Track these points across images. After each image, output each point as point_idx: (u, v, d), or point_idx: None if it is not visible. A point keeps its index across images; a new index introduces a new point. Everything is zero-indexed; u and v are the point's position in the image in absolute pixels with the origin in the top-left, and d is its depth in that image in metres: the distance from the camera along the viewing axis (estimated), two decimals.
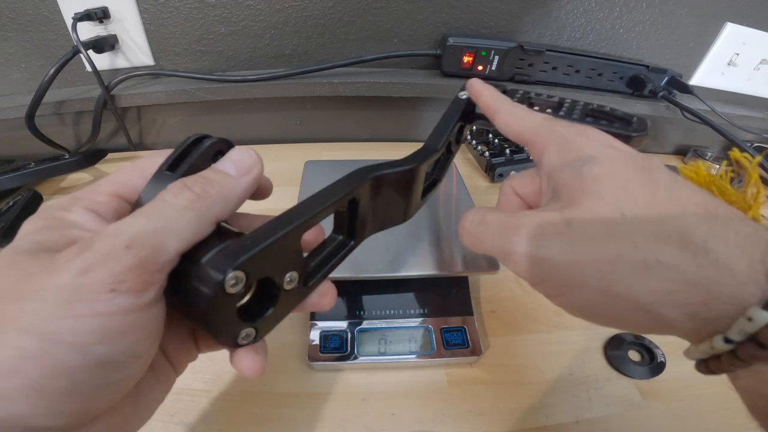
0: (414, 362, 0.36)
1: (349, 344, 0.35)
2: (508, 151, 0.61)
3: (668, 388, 0.36)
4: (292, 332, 0.38)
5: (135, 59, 0.57)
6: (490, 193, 0.58)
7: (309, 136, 0.69)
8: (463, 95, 0.32)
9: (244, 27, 0.56)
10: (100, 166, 0.59)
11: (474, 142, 0.64)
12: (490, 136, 0.65)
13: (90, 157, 0.57)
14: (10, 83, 0.58)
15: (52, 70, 0.50)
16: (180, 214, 0.16)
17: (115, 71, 0.58)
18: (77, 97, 0.57)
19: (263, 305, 0.19)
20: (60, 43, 0.54)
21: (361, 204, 0.23)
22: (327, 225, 0.23)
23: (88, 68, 0.52)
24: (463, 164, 0.65)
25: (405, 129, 0.70)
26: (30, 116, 0.53)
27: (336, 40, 0.59)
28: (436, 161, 0.31)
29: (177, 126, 0.65)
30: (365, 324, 0.37)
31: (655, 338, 0.39)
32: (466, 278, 0.40)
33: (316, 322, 0.37)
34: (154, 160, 0.18)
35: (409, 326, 0.37)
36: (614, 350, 0.38)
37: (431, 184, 0.32)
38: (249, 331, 0.18)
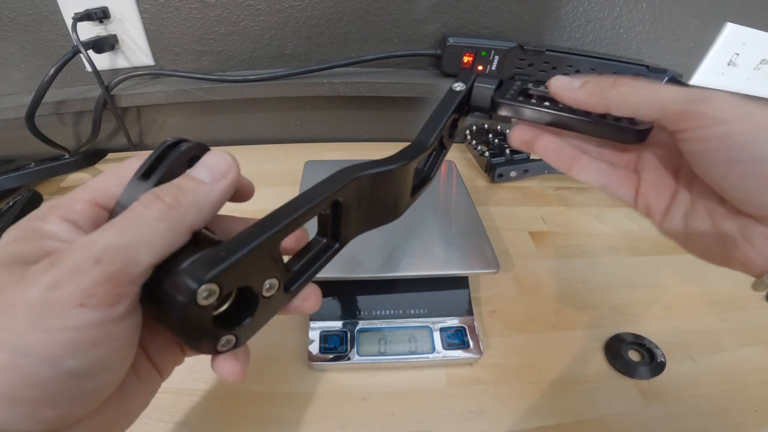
0: (414, 362, 0.36)
1: (348, 344, 0.35)
2: (508, 151, 0.61)
3: (668, 388, 0.36)
4: (292, 332, 0.38)
5: (135, 59, 0.57)
6: (490, 193, 0.58)
7: (309, 136, 0.69)
8: (458, 87, 0.31)
9: (244, 27, 0.56)
10: (100, 166, 0.59)
11: (474, 142, 0.64)
12: (490, 136, 0.65)
13: (90, 157, 0.57)
14: (10, 83, 0.57)
15: (52, 70, 0.50)
16: (152, 226, 0.15)
17: (115, 71, 0.58)
18: (77, 97, 0.57)
19: (242, 313, 0.19)
20: (60, 43, 0.54)
21: (346, 205, 0.22)
22: (313, 225, 0.23)
23: (88, 68, 0.52)
24: (463, 164, 0.65)
25: (405, 129, 0.70)
26: (30, 116, 0.53)
27: (336, 40, 0.59)
28: (428, 157, 0.30)
29: (177, 126, 0.65)
30: (365, 324, 0.37)
31: (655, 338, 0.39)
32: (466, 278, 0.40)
33: (316, 322, 0.37)
34: (131, 165, 0.18)
35: (409, 326, 0.37)
36: (614, 350, 0.38)
37: (422, 181, 0.31)
38: (229, 338, 0.18)
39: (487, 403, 0.34)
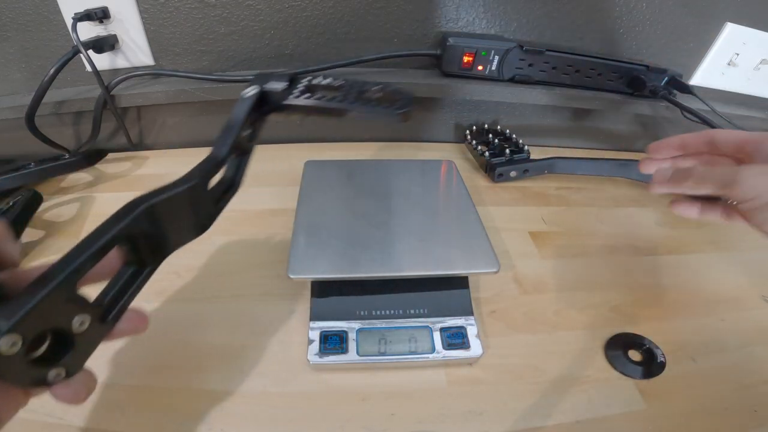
0: (414, 362, 0.36)
1: (348, 344, 0.35)
2: (508, 151, 0.61)
3: (668, 388, 0.36)
4: (292, 332, 0.38)
5: (135, 59, 0.57)
6: (490, 193, 0.58)
7: (309, 136, 0.69)
8: (247, 93, 0.33)
9: (244, 27, 0.56)
10: (100, 166, 0.59)
11: (474, 142, 0.64)
12: (490, 136, 0.65)
13: (90, 157, 0.56)
14: (10, 83, 0.57)
15: (52, 70, 0.50)
16: None
17: (115, 71, 0.57)
18: (77, 97, 0.56)
19: (63, 349, 0.20)
20: (60, 43, 0.54)
21: (143, 234, 0.23)
22: None
23: (88, 68, 0.52)
24: (463, 164, 0.65)
25: (405, 129, 0.70)
26: (30, 116, 0.53)
27: (336, 40, 0.59)
28: (234, 164, 0.32)
29: (177, 126, 0.65)
30: (365, 324, 0.37)
31: (655, 338, 0.39)
32: (466, 278, 0.40)
33: (316, 322, 0.37)
34: None
35: (409, 326, 0.37)
36: (614, 350, 0.38)
37: (229, 188, 0.32)
38: (58, 371, 0.20)
39: (487, 403, 0.34)
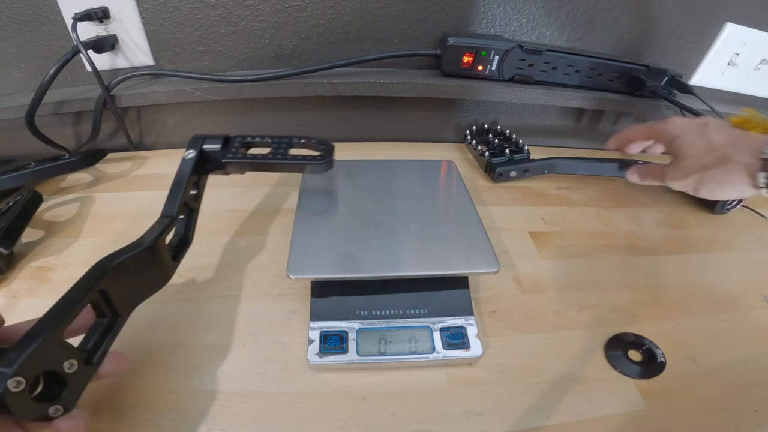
0: (414, 362, 0.36)
1: (348, 344, 0.35)
2: (508, 151, 0.61)
3: (668, 388, 0.36)
4: (292, 332, 0.38)
5: (135, 59, 0.57)
6: (490, 193, 0.58)
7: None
8: (188, 155, 0.37)
9: (244, 27, 0.56)
10: (100, 166, 0.59)
11: (474, 142, 0.64)
12: (490, 136, 0.65)
13: (90, 157, 0.56)
14: (10, 83, 0.58)
15: (52, 70, 0.50)
16: None
17: (115, 71, 0.58)
18: (77, 97, 0.57)
19: (59, 388, 0.25)
20: (60, 43, 0.54)
21: (113, 289, 0.28)
22: None
23: (88, 68, 0.52)
24: (463, 164, 0.65)
25: (405, 129, 0.70)
26: (30, 116, 0.53)
27: (336, 40, 0.59)
28: (183, 223, 0.37)
29: (177, 126, 0.65)
30: (365, 324, 0.37)
31: (655, 338, 0.39)
32: (466, 278, 0.40)
33: (316, 322, 0.37)
34: None
35: (409, 326, 0.37)
36: (614, 350, 0.38)
37: (182, 244, 0.36)
38: (57, 407, 0.24)
39: (487, 403, 0.34)
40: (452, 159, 0.54)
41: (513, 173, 0.60)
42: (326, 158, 0.39)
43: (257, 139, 0.41)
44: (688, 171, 0.41)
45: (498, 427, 0.32)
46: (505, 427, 0.33)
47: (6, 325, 0.27)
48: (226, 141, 0.39)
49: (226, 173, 0.41)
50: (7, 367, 0.21)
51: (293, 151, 0.40)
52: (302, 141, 0.41)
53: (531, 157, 0.61)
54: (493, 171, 0.59)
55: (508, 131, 0.66)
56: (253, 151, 0.42)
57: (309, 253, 0.37)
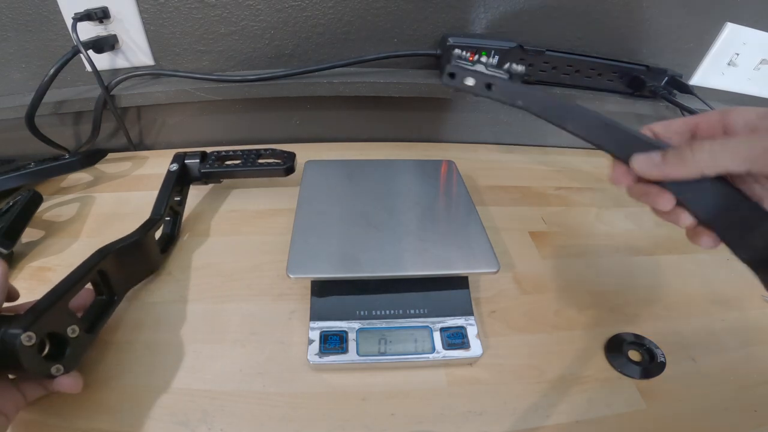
0: (414, 362, 0.36)
1: (348, 344, 0.35)
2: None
3: (668, 388, 0.36)
4: (292, 332, 0.38)
5: (135, 59, 0.57)
6: (490, 193, 0.58)
7: (309, 136, 0.69)
8: (172, 168, 0.48)
9: (244, 27, 0.56)
10: (100, 166, 0.59)
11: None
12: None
13: (90, 157, 0.56)
14: (10, 83, 0.57)
15: (52, 70, 0.50)
16: None
17: (115, 71, 0.57)
18: (77, 97, 0.56)
19: (61, 352, 0.29)
20: (60, 43, 0.54)
21: (108, 272, 0.34)
22: None
23: (88, 68, 0.52)
24: (463, 164, 0.65)
25: (405, 129, 0.70)
26: (30, 116, 0.53)
27: (336, 40, 0.59)
28: (170, 222, 0.46)
29: (177, 126, 0.65)
30: (365, 324, 0.37)
31: (655, 338, 0.39)
32: (466, 278, 0.40)
33: (316, 322, 0.37)
34: None
35: (409, 326, 0.37)
36: (614, 350, 0.38)
37: (170, 240, 0.45)
38: (58, 366, 0.29)
39: (487, 403, 0.34)
40: (452, 159, 0.54)
41: (470, 80, 0.34)
42: (287, 164, 0.50)
43: (230, 153, 0.51)
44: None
45: (498, 427, 0.33)
46: (505, 427, 0.33)
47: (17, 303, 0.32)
48: (204, 155, 0.50)
49: (206, 183, 0.51)
50: (20, 326, 0.26)
51: (263, 161, 0.50)
52: (268, 152, 0.51)
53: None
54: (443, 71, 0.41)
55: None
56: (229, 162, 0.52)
57: (309, 252, 0.37)
